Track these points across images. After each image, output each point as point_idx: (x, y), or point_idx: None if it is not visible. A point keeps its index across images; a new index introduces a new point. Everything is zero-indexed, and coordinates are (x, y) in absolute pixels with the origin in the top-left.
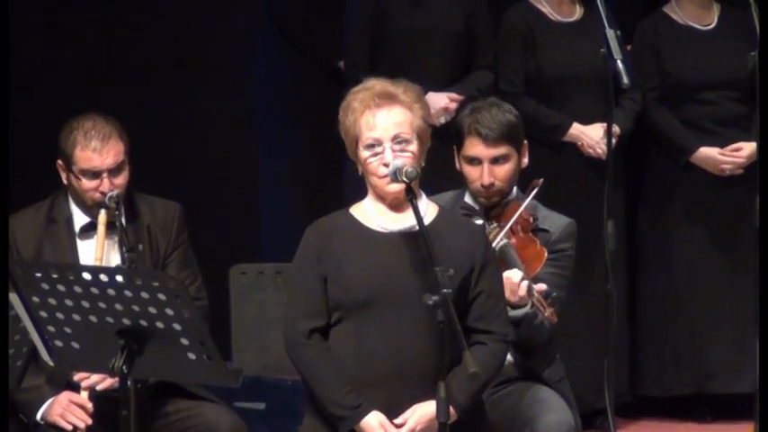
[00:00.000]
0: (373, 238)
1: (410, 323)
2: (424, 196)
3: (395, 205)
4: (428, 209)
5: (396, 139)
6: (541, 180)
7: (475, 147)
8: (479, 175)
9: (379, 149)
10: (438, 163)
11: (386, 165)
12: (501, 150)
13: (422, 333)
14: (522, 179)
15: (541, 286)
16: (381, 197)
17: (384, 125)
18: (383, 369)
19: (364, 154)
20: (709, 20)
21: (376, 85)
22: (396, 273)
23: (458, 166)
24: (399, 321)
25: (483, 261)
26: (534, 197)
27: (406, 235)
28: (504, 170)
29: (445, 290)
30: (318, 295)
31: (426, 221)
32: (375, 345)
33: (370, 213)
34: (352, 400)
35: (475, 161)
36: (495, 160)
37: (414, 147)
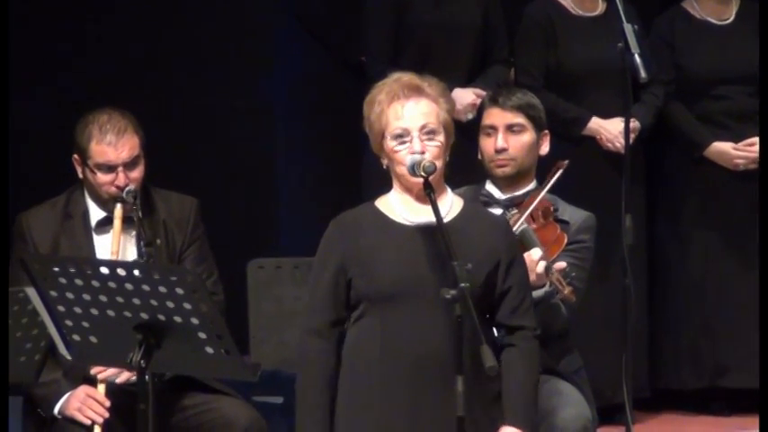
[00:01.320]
0: (399, 231)
1: (436, 316)
2: (449, 190)
3: (421, 196)
4: (453, 203)
5: (423, 129)
6: (566, 162)
7: (491, 115)
8: (493, 143)
9: (407, 139)
10: (461, 159)
11: (413, 153)
12: (517, 119)
13: (447, 326)
14: (542, 171)
15: (561, 264)
16: (408, 189)
17: (412, 115)
18: (408, 362)
19: (391, 144)
20: (727, 14)
21: (402, 77)
22: (422, 266)
23: (479, 148)
24: (425, 314)
25: (511, 255)
26: (554, 187)
27: (432, 228)
28: (520, 141)
29: (463, 284)
30: (332, 290)
31: (451, 216)
32: (401, 338)
33: (396, 206)
34: (319, 418)
35: (491, 130)
36: (510, 128)
37: (441, 138)
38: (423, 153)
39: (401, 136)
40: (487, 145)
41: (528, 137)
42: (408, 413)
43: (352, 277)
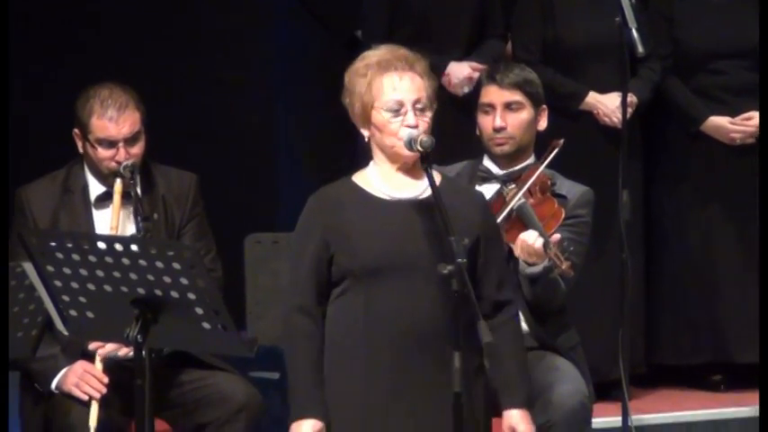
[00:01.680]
0: (380, 206)
1: (419, 290)
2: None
3: (404, 170)
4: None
5: (417, 105)
6: (562, 141)
7: (489, 93)
8: (492, 121)
9: (401, 112)
10: (458, 134)
11: (408, 126)
12: (514, 96)
13: (431, 300)
14: (540, 146)
15: (557, 236)
16: (394, 161)
17: (407, 88)
18: (392, 336)
19: (384, 116)
20: None
21: (395, 49)
22: (404, 240)
23: (477, 125)
24: (408, 289)
25: (489, 229)
26: (551, 163)
27: (412, 203)
28: (518, 118)
29: (460, 259)
30: (315, 267)
31: (427, 193)
32: (385, 312)
33: (375, 182)
34: (313, 394)
35: (489, 108)
36: (508, 106)
37: (429, 114)
38: (416, 127)
39: (396, 110)
40: (486, 123)
41: (526, 114)
42: (393, 388)
43: (334, 253)
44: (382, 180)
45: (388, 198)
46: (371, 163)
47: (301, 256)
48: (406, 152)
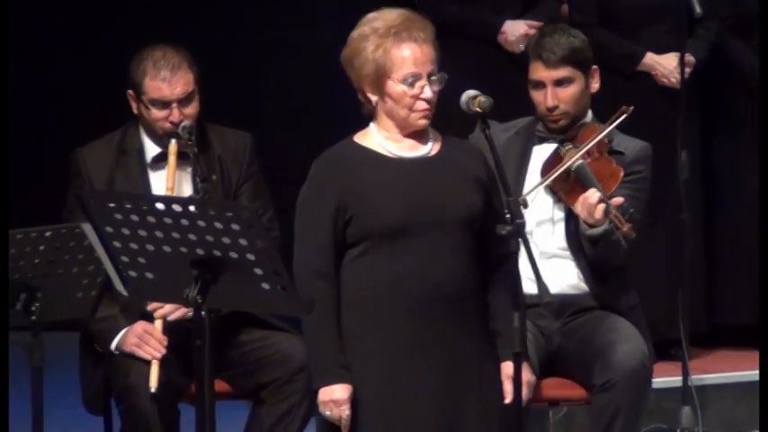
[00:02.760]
0: (393, 166)
1: (440, 248)
2: (428, 127)
3: (413, 135)
4: (433, 136)
5: (431, 76)
6: (632, 108)
7: (537, 70)
8: (543, 98)
9: (416, 83)
10: (512, 91)
11: (425, 100)
12: (563, 73)
13: (452, 257)
14: (596, 106)
15: (618, 199)
16: (402, 127)
17: (423, 59)
18: (417, 294)
19: (401, 87)
20: None
21: (395, 16)
22: (423, 198)
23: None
24: (431, 246)
25: (491, 182)
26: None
27: (423, 161)
28: (569, 93)
29: (518, 220)
30: (332, 230)
31: (437, 148)
32: (409, 271)
33: (382, 142)
34: (340, 358)
35: (539, 85)
36: (559, 83)
37: (441, 83)
38: (431, 100)
39: (412, 82)
40: (537, 98)
41: (577, 86)
42: (419, 346)
43: (351, 216)
44: (389, 140)
45: (399, 157)
46: (373, 124)
47: (315, 220)
48: (419, 122)
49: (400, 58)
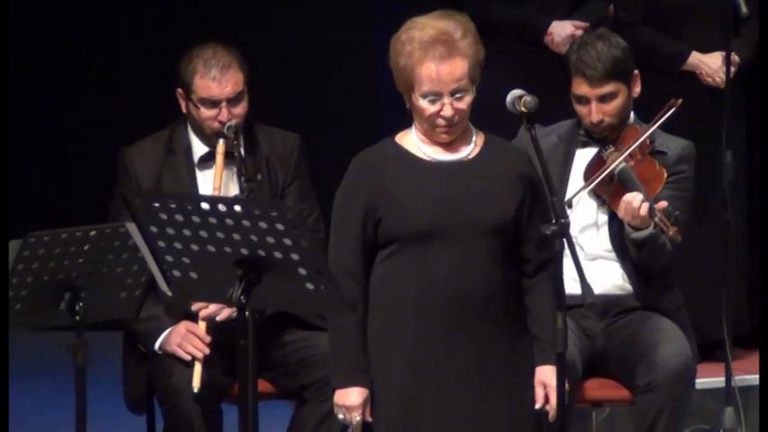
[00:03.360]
0: (427, 169)
1: (469, 253)
2: (471, 128)
3: (444, 144)
4: (476, 138)
5: (455, 94)
6: (680, 101)
7: (581, 86)
8: (588, 113)
9: (437, 101)
10: (557, 92)
11: (444, 118)
12: (607, 89)
13: (480, 263)
14: (641, 106)
15: (663, 204)
16: (427, 136)
17: (445, 79)
18: (444, 299)
19: (422, 103)
20: None
21: (431, 27)
22: (453, 204)
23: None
24: (458, 251)
25: (533, 186)
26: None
27: (460, 164)
28: (613, 106)
29: (563, 220)
30: (362, 230)
31: (476, 151)
32: (436, 275)
33: (420, 144)
34: (360, 361)
35: (583, 100)
36: (603, 98)
37: (470, 97)
38: (453, 117)
39: (432, 98)
40: (582, 111)
41: (621, 98)
42: (446, 351)
43: (381, 217)
44: (426, 143)
45: (434, 160)
46: (414, 125)
47: (347, 220)
48: (441, 137)
49: (422, 75)
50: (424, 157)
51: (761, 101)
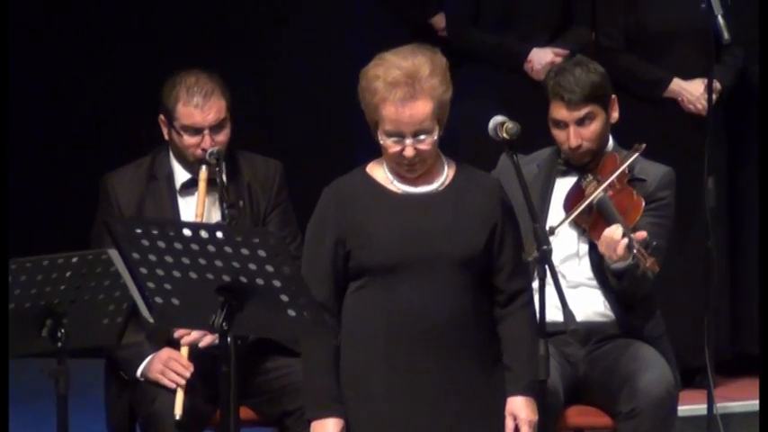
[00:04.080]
0: (397, 201)
1: (437, 285)
2: (443, 158)
3: (411, 178)
4: (447, 169)
5: (417, 135)
6: (643, 145)
7: (558, 110)
8: (566, 138)
9: (400, 141)
10: (538, 118)
11: (406, 157)
12: (584, 111)
13: (450, 295)
14: (622, 133)
15: (641, 234)
16: (396, 173)
17: (406, 122)
18: (414, 330)
19: (385, 141)
20: None
21: (397, 67)
22: (423, 235)
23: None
24: (428, 283)
25: (504, 217)
26: (630, 145)
27: (429, 197)
28: (591, 130)
29: (545, 246)
30: (332, 262)
31: (447, 182)
32: (406, 307)
33: (390, 175)
34: (334, 392)
35: (561, 124)
36: (581, 122)
37: (434, 135)
38: (414, 157)
39: (395, 138)
40: (559, 137)
41: (599, 122)
42: (416, 381)
43: (351, 249)
44: (396, 174)
45: (404, 192)
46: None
47: (317, 251)
48: (405, 173)
49: (386, 115)
50: (395, 190)
51: (761, 101)
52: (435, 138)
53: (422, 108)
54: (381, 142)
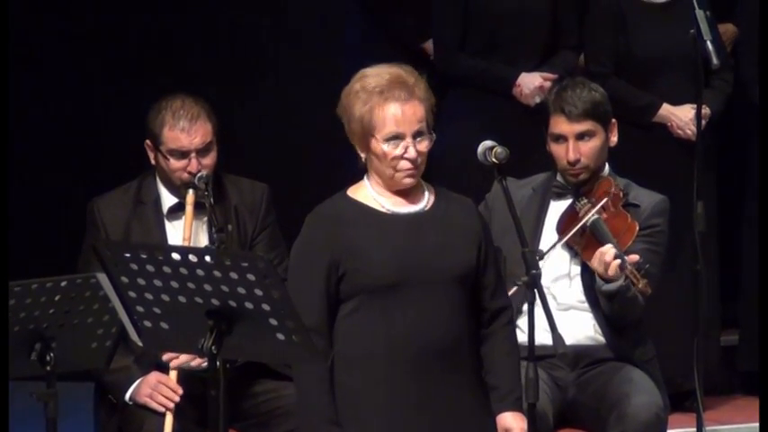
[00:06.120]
0: (387, 221)
1: (433, 304)
2: (421, 181)
3: (400, 192)
4: (427, 191)
5: (416, 136)
6: (613, 189)
7: (559, 124)
8: (565, 153)
9: (400, 143)
10: (527, 143)
11: (409, 159)
12: (585, 126)
13: (446, 313)
14: (611, 157)
15: (634, 257)
16: (389, 186)
17: (409, 120)
18: (409, 352)
19: (384, 147)
20: None
21: (386, 73)
22: (416, 253)
23: (548, 147)
24: (425, 302)
25: (485, 235)
26: (625, 172)
27: (417, 216)
28: (590, 147)
29: (534, 270)
30: (325, 286)
31: (431, 202)
32: (405, 327)
33: (375, 196)
34: (330, 415)
35: (560, 138)
36: (580, 137)
37: (428, 141)
38: (416, 159)
39: (395, 140)
40: (558, 152)
41: (598, 140)
42: (417, 403)
43: (345, 272)
44: (382, 195)
45: (392, 212)
46: (367, 178)
47: (309, 277)
48: (404, 181)
49: (383, 118)
50: (383, 210)
51: (761, 103)
52: (430, 143)
53: (419, 107)
54: (380, 150)
